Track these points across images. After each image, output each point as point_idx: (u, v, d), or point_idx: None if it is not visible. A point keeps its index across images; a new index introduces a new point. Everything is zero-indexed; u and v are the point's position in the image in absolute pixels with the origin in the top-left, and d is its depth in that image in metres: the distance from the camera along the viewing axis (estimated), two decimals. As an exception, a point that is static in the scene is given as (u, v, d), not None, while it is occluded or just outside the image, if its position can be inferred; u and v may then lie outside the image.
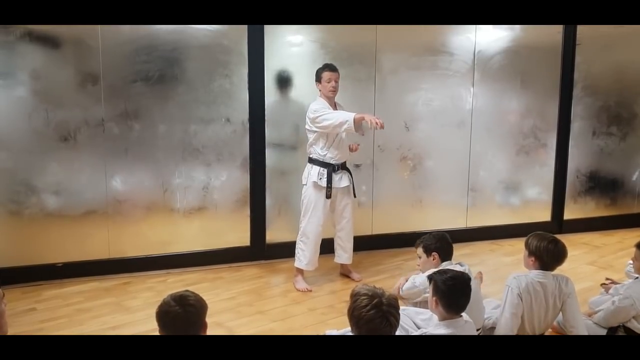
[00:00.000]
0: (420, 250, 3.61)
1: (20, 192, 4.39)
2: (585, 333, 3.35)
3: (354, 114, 4.17)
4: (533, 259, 3.31)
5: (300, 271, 4.57)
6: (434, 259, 3.52)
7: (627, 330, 3.40)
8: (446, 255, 3.54)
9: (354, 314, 2.34)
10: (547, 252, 3.27)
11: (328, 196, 4.44)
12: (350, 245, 4.70)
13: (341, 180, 4.49)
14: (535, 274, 3.28)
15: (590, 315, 3.66)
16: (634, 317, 3.37)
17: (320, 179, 4.41)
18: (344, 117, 4.20)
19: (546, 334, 3.53)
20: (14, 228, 4.41)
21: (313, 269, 4.60)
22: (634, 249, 3.57)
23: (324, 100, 4.41)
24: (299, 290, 4.48)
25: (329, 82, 4.38)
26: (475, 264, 3.45)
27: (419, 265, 3.65)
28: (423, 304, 3.36)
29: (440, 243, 3.56)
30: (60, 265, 4.54)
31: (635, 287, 3.42)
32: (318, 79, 4.44)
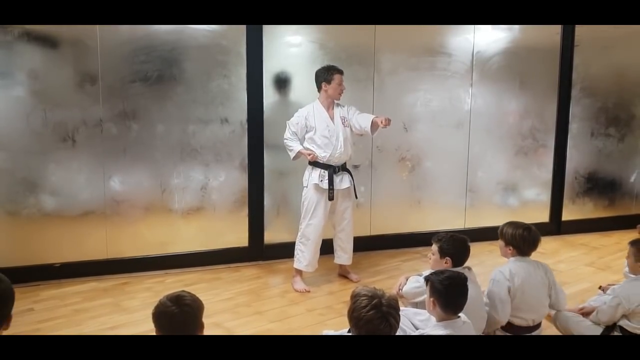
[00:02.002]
0: (435, 248, 3.46)
1: (18, 192, 4.38)
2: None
3: (297, 151, 4.42)
4: (510, 247, 3.48)
5: (298, 272, 4.57)
6: (446, 263, 3.36)
7: (623, 330, 3.41)
8: (459, 263, 3.38)
9: (354, 315, 2.34)
10: (522, 240, 3.44)
11: (331, 198, 4.44)
12: (350, 246, 4.69)
13: (342, 182, 4.49)
14: (515, 260, 3.46)
15: (584, 313, 3.68)
16: (626, 317, 3.38)
17: (322, 180, 4.41)
18: (291, 150, 4.48)
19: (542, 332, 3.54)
20: (12, 228, 4.41)
21: (313, 271, 4.59)
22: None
23: (321, 105, 4.45)
24: (297, 291, 4.48)
25: (339, 85, 4.44)
26: (473, 264, 3.43)
27: (429, 259, 3.56)
28: (423, 305, 3.33)
29: (458, 250, 3.39)
30: (58, 265, 4.54)
31: (625, 287, 3.45)
32: (327, 80, 4.43)
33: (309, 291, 4.48)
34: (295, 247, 4.57)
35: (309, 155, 4.38)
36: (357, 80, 5.22)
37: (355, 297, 2.39)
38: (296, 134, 4.46)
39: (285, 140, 4.49)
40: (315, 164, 4.44)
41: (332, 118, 4.45)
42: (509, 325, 3.46)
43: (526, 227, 3.49)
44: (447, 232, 3.50)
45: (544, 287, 3.47)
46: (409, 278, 3.53)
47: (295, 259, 4.56)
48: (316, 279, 4.70)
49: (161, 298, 2.30)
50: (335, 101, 4.51)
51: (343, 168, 4.53)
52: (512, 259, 3.48)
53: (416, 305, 3.42)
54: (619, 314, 3.38)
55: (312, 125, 4.41)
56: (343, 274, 4.81)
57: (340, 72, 4.46)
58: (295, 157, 4.48)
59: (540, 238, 3.52)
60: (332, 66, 4.50)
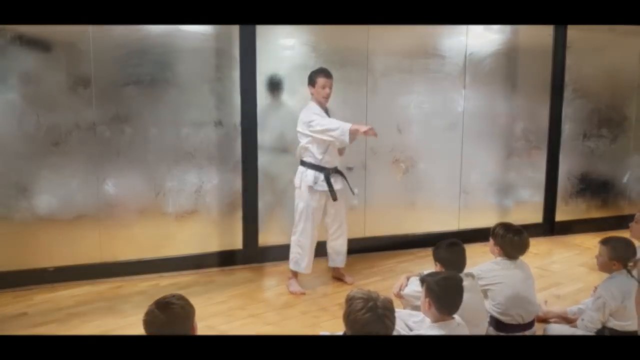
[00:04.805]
0: None
1: (11, 196, 4.37)
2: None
3: (350, 125, 4.14)
4: (499, 248, 3.59)
5: (294, 274, 4.56)
6: (437, 268, 3.33)
7: (612, 331, 3.42)
8: (453, 268, 3.25)
9: (350, 318, 2.34)
10: (511, 243, 3.54)
11: (335, 198, 4.39)
12: (344, 248, 4.69)
13: (335, 184, 4.47)
14: (494, 262, 3.61)
15: (570, 321, 3.72)
16: (612, 316, 3.40)
17: (316, 183, 4.38)
18: (340, 126, 4.17)
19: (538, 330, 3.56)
20: (5, 232, 4.38)
21: (308, 273, 4.58)
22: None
23: (317, 105, 4.40)
24: (292, 293, 4.48)
25: (323, 89, 4.36)
26: (467, 266, 3.46)
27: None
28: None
29: (448, 255, 3.34)
30: (51, 269, 4.52)
31: (605, 285, 3.48)
32: (312, 82, 4.42)
33: (303, 293, 4.47)
34: (290, 249, 4.55)
35: (364, 129, 4.10)
36: (350, 83, 5.23)
37: (350, 300, 2.39)
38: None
39: (321, 126, 4.24)
40: (308, 165, 4.42)
41: None
42: (500, 324, 3.49)
43: (517, 232, 3.55)
44: (449, 239, 3.47)
45: (527, 284, 3.55)
46: (410, 278, 3.48)
47: (290, 261, 4.55)
48: (310, 281, 4.69)
49: (150, 305, 2.32)
50: (327, 106, 4.48)
51: (335, 170, 4.52)
52: (498, 259, 3.60)
53: (416, 307, 3.36)
54: (606, 314, 3.40)
55: None
56: (337, 276, 4.81)
57: (326, 75, 4.37)
58: (351, 138, 4.16)
59: (529, 244, 3.59)
60: (320, 69, 4.45)
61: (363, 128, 4.14)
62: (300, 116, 4.41)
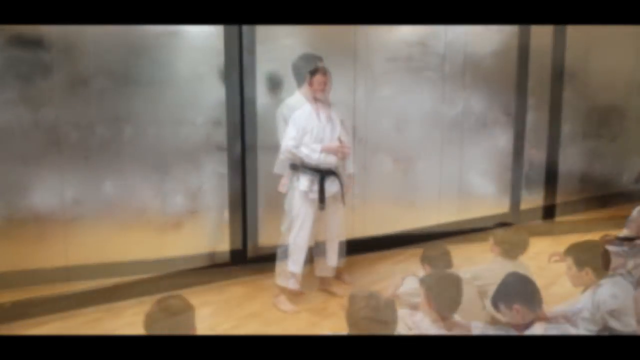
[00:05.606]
0: None
1: (11, 196, 4.36)
2: None
3: (282, 156, 4.36)
4: (498, 248, 3.63)
5: (292, 274, 4.55)
6: (426, 270, 3.43)
7: (612, 330, 3.42)
8: (440, 267, 3.36)
9: (352, 317, 2.35)
10: (510, 243, 3.59)
11: (322, 208, 4.34)
12: (342, 248, 4.67)
13: (332, 187, 4.41)
14: (492, 262, 3.62)
15: (571, 322, 3.71)
16: (612, 316, 3.40)
17: (312, 188, 4.29)
18: (283, 151, 4.35)
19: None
20: (4, 232, 4.37)
21: (302, 273, 4.54)
22: None
23: (313, 100, 4.35)
24: (292, 294, 4.46)
25: (318, 83, 4.33)
26: (465, 264, 3.48)
27: None
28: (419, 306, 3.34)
29: (433, 253, 3.47)
30: (51, 269, 4.51)
31: (604, 285, 3.45)
32: (310, 81, 4.40)
33: (303, 293, 4.45)
34: (288, 249, 4.48)
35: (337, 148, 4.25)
36: (349, 82, 5.23)
37: (352, 299, 2.40)
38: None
39: (284, 140, 4.33)
40: (303, 168, 4.33)
41: (329, 118, 4.39)
42: (498, 323, 3.49)
43: (517, 232, 3.62)
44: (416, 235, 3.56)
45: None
46: (405, 279, 3.53)
47: (289, 261, 4.46)
48: (310, 282, 4.69)
49: (150, 306, 2.32)
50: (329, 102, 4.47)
51: (332, 172, 4.40)
52: (498, 258, 3.62)
53: (413, 305, 3.42)
54: (606, 314, 3.40)
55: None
56: (336, 276, 4.80)
57: (321, 72, 4.33)
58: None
59: (529, 243, 3.61)
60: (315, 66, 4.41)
61: (284, 184, 4.41)
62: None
